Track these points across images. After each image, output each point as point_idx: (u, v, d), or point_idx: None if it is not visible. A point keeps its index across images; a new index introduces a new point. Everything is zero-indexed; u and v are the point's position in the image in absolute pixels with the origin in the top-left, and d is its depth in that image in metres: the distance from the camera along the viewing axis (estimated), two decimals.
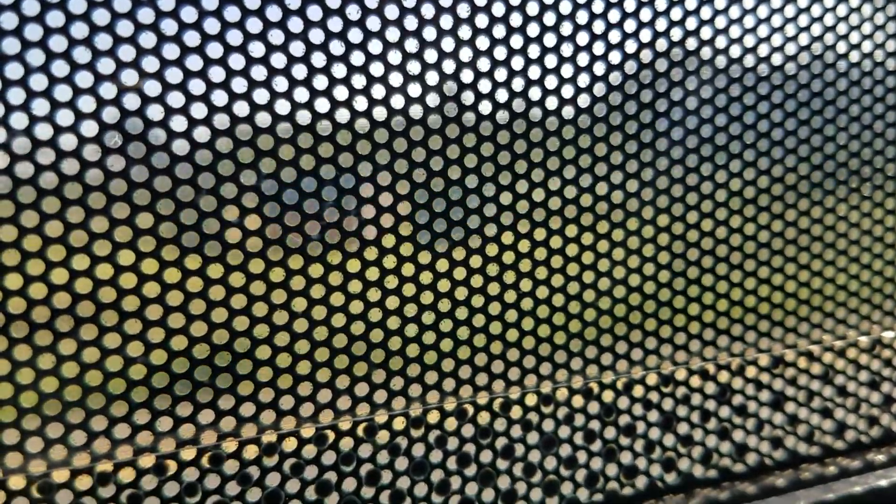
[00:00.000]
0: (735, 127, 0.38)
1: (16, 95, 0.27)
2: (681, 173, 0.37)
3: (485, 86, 0.33)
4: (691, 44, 0.36)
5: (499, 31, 0.33)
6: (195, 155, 0.30)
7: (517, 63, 0.34)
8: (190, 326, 0.30)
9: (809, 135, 0.39)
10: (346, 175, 0.32)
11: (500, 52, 0.34)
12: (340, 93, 0.31)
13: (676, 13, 0.36)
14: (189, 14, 0.29)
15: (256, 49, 0.30)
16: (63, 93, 0.28)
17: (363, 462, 0.33)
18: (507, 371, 0.35)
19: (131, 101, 0.29)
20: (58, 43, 0.28)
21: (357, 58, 0.31)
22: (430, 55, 0.32)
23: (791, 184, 0.39)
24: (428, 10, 0.32)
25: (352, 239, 0.32)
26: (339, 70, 0.31)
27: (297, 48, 0.31)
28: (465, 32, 0.33)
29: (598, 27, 0.35)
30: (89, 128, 0.28)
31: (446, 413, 0.35)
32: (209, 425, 0.31)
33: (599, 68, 0.35)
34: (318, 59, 0.31)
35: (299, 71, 0.31)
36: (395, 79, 0.32)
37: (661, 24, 0.36)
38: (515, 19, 0.34)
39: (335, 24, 0.31)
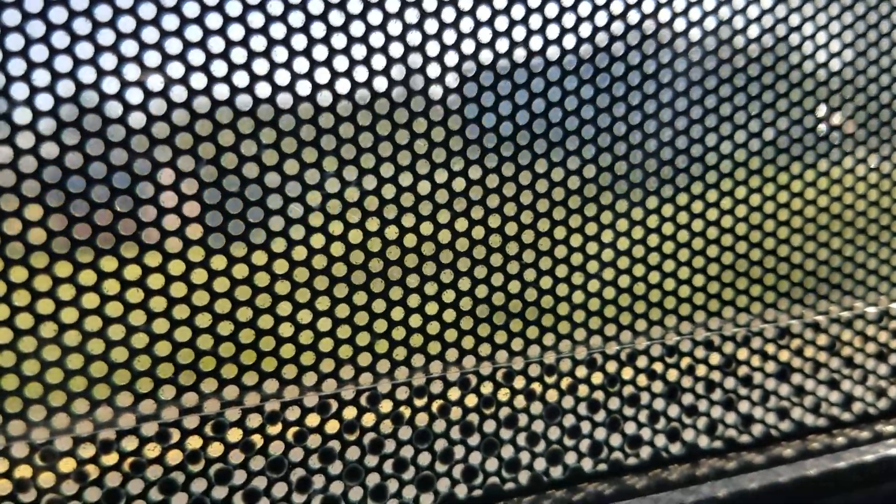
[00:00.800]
0: (740, 98, 0.37)
1: None
2: (685, 143, 0.37)
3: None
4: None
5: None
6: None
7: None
8: (192, 295, 0.30)
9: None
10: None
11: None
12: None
13: None
14: None
15: None
16: None
17: (366, 431, 0.33)
18: (511, 341, 0.35)
19: None
20: None
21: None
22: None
23: (797, 154, 0.39)
24: None
25: (354, 209, 0.32)
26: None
27: None
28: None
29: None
30: None
31: (449, 383, 0.35)
32: (212, 394, 0.31)
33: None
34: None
35: None
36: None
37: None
38: None
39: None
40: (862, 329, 0.41)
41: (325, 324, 0.32)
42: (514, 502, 0.35)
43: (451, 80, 0.33)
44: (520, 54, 0.34)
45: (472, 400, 0.35)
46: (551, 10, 0.34)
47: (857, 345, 0.41)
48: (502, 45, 0.34)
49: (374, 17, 0.32)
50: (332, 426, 0.33)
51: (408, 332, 0.34)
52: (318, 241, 0.32)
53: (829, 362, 0.41)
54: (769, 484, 0.34)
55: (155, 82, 0.29)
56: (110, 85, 0.29)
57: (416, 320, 0.34)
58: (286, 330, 0.32)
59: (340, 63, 0.32)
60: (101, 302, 0.29)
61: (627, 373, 0.37)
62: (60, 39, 0.28)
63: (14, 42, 0.27)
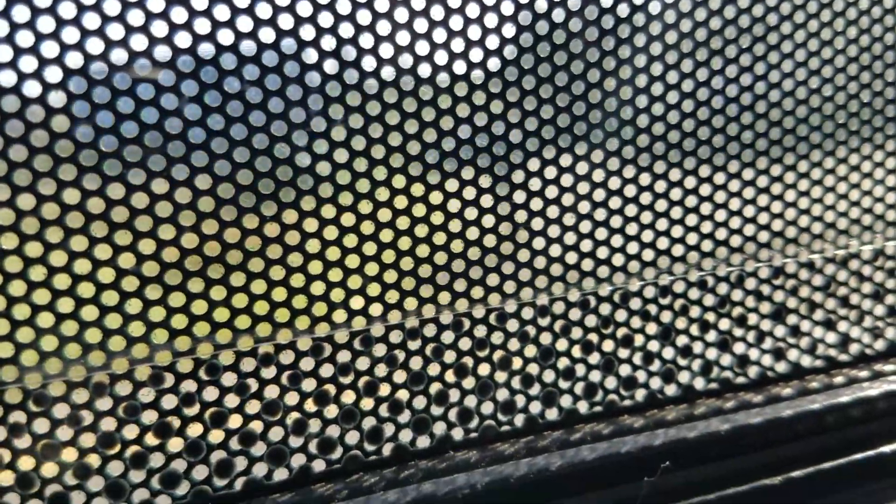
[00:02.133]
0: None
1: None
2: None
3: None
4: None
5: None
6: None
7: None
8: (181, 238, 0.30)
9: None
10: None
11: None
12: None
13: None
14: None
15: None
16: None
17: (361, 374, 0.33)
18: (503, 283, 0.35)
19: None
20: None
21: None
22: None
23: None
24: None
25: (340, 149, 0.32)
26: None
27: None
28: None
29: None
30: None
31: (443, 326, 0.35)
32: (205, 338, 0.31)
33: None
34: None
35: None
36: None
37: None
38: None
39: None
40: (857, 269, 0.41)
41: (315, 266, 0.32)
42: (511, 443, 0.35)
43: None
44: None
45: (465, 343, 0.35)
46: None
47: (853, 285, 0.41)
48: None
49: None
50: (327, 370, 0.33)
51: (399, 275, 0.34)
52: (305, 182, 0.32)
53: (825, 303, 0.41)
54: (770, 419, 0.34)
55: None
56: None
57: (407, 263, 0.34)
58: (277, 273, 0.32)
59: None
60: (89, 244, 0.29)
61: (621, 314, 0.37)
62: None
63: None
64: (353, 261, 0.33)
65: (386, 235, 0.33)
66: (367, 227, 0.33)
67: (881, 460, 0.35)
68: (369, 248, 0.33)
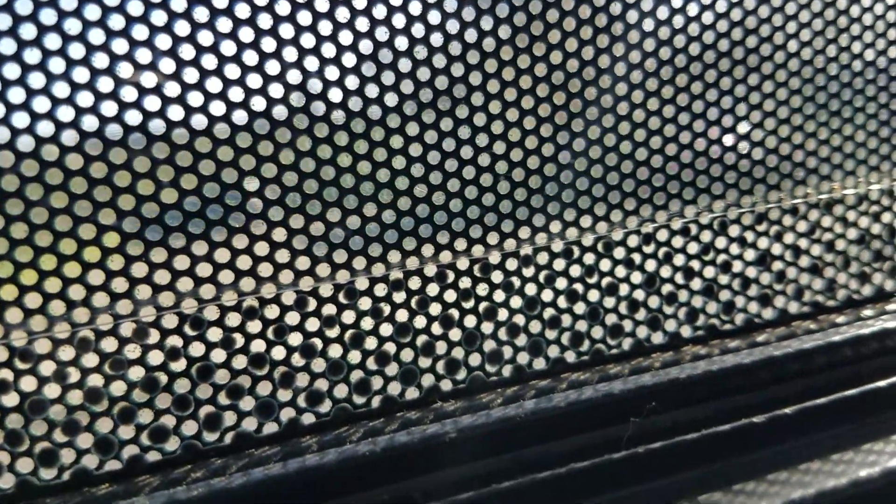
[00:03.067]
0: None
1: None
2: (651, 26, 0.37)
3: None
4: None
5: None
6: None
7: None
8: (160, 193, 0.30)
9: None
10: None
11: None
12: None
13: None
14: None
15: None
16: None
17: (347, 328, 0.34)
18: (486, 235, 0.35)
19: None
20: None
21: None
22: None
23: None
24: None
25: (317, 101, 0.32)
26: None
27: None
28: None
29: None
30: None
31: (427, 278, 0.35)
32: (188, 292, 0.31)
33: None
34: None
35: None
36: None
37: None
38: None
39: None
40: (842, 214, 0.41)
41: (297, 220, 0.32)
42: (498, 392, 0.35)
43: None
44: None
45: (451, 295, 0.35)
46: None
47: (838, 230, 0.41)
48: None
49: None
50: (312, 323, 0.33)
51: (382, 228, 0.34)
52: (283, 135, 0.32)
53: (810, 248, 0.41)
54: (756, 360, 0.34)
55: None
56: None
57: (388, 215, 0.34)
58: (258, 227, 0.32)
59: None
60: (69, 201, 0.29)
61: (605, 264, 0.37)
62: None
63: None
64: (334, 214, 0.33)
65: (366, 188, 0.33)
66: (348, 181, 0.33)
67: (866, 398, 0.35)
68: (350, 202, 0.33)
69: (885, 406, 0.35)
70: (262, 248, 0.32)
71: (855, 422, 0.34)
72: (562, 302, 0.37)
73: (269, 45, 0.31)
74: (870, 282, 0.42)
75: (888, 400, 0.35)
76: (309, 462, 0.29)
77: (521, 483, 0.29)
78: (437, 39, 0.34)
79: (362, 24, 0.32)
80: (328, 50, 0.32)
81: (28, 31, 0.28)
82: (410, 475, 0.30)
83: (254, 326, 0.32)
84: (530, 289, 0.36)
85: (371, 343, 0.34)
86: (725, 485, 0.30)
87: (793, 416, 0.33)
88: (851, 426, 0.34)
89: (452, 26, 0.34)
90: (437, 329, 0.35)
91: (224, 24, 0.30)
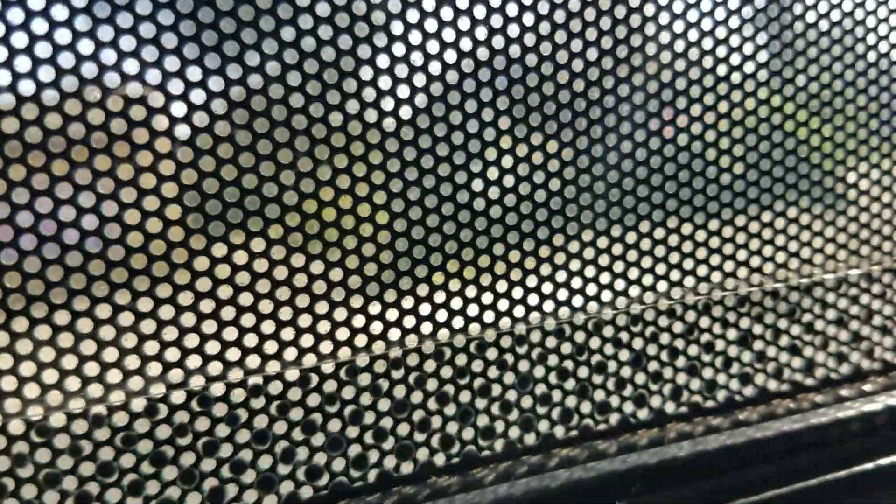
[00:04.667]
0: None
1: None
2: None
3: None
4: None
5: None
6: None
7: None
8: (174, 274, 0.32)
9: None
10: None
11: None
12: None
13: None
14: None
15: None
16: None
17: (347, 403, 0.35)
18: (482, 314, 0.37)
19: None
20: None
21: None
22: None
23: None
24: None
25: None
26: None
27: None
28: None
29: None
30: None
31: (425, 355, 0.36)
32: (197, 370, 0.33)
33: None
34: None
35: None
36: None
37: None
38: None
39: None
40: (821, 296, 0.43)
41: (303, 300, 0.34)
42: (491, 468, 0.36)
43: None
44: None
45: (447, 371, 0.37)
46: None
47: (817, 312, 0.43)
48: None
49: None
50: (314, 399, 0.35)
51: (383, 307, 0.35)
52: (293, 220, 0.33)
53: (790, 329, 0.43)
54: (738, 443, 0.36)
55: None
56: None
57: (390, 295, 0.35)
58: (266, 307, 0.33)
59: None
60: (87, 282, 0.31)
61: (595, 342, 0.39)
62: None
63: None
64: (338, 293, 0.35)
65: (370, 269, 0.35)
66: (353, 262, 0.35)
67: (852, 481, 0.37)
68: (354, 282, 0.35)
69: (873, 487, 0.37)
70: (268, 326, 0.34)
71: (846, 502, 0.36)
72: (553, 378, 0.38)
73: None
74: (847, 361, 0.44)
75: (876, 481, 0.37)
76: None
77: None
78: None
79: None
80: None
81: None
82: None
83: (257, 403, 0.34)
84: (523, 366, 0.38)
85: (369, 418, 0.35)
86: None
87: (781, 498, 0.34)
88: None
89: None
90: (432, 404, 0.36)
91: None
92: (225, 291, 0.33)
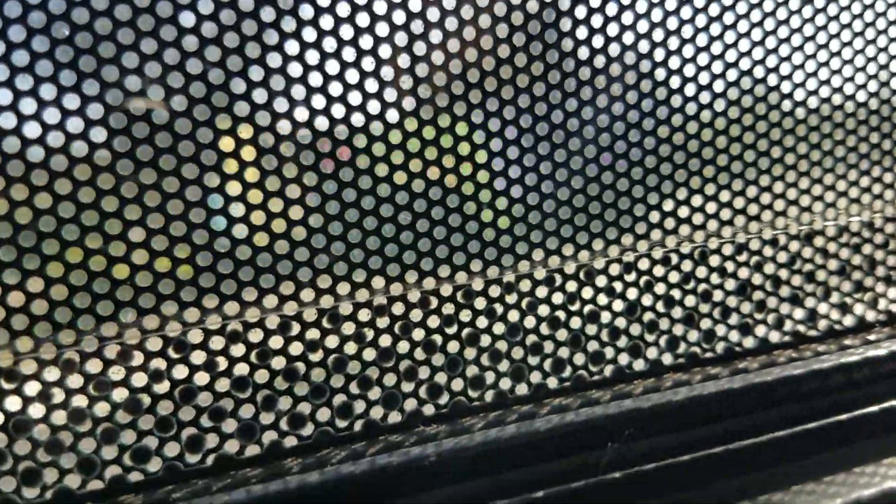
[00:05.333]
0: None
1: None
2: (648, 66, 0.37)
3: None
4: None
5: None
6: None
7: None
8: (146, 217, 0.31)
9: None
10: None
11: None
12: None
13: None
14: None
15: None
16: None
17: (330, 352, 0.34)
18: (469, 262, 0.36)
19: None
20: None
21: None
22: None
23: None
24: None
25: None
26: None
27: None
28: None
29: None
30: None
31: (411, 304, 0.35)
32: (173, 316, 0.32)
33: None
34: None
35: None
36: None
37: None
38: None
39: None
40: (822, 245, 0.42)
41: (282, 246, 0.33)
42: (481, 417, 0.35)
43: None
44: None
45: (434, 321, 0.36)
46: None
47: (819, 261, 0.42)
48: None
49: None
50: (296, 347, 0.34)
51: (366, 254, 0.34)
52: (269, 161, 0.33)
53: (790, 279, 0.41)
54: (734, 388, 0.35)
55: None
56: None
57: (373, 242, 0.34)
58: (244, 252, 0.33)
59: None
60: (57, 225, 0.30)
61: (587, 292, 0.38)
62: None
63: None
64: (318, 240, 0.34)
65: (351, 215, 0.34)
66: (332, 208, 0.34)
67: (857, 423, 0.35)
68: (335, 228, 0.34)
69: (878, 430, 0.35)
70: (247, 273, 0.33)
71: (847, 446, 0.34)
72: (544, 328, 0.37)
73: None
74: (851, 312, 0.43)
75: (879, 424, 0.35)
76: (290, 483, 0.30)
77: None
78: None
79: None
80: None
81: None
82: (390, 497, 0.30)
83: (237, 350, 0.33)
84: (513, 315, 0.37)
85: (354, 367, 0.34)
86: None
87: (782, 441, 0.33)
88: (844, 450, 0.34)
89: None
90: (419, 354, 0.35)
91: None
92: (201, 237, 0.32)
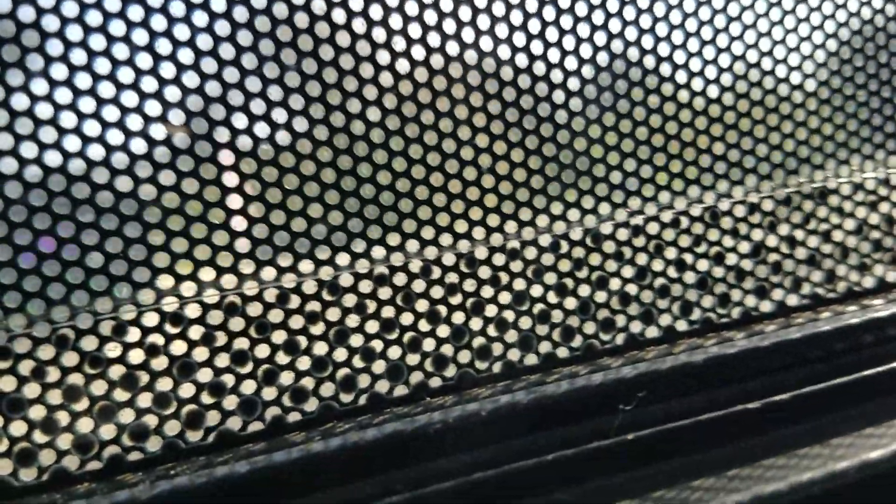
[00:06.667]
0: None
1: None
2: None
3: None
4: None
5: None
6: None
7: None
8: (137, 189, 0.30)
9: None
10: None
11: None
12: None
13: None
14: None
15: None
16: None
17: (332, 324, 0.33)
18: (472, 229, 0.35)
19: None
20: None
21: None
22: None
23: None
24: None
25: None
26: None
27: None
28: None
29: None
30: None
31: (413, 274, 0.34)
32: (169, 291, 0.31)
33: None
34: None
35: None
36: None
37: None
38: None
39: None
40: (838, 204, 0.41)
41: (278, 217, 0.32)
42: (489, 388, 0.34)
43: None
44: None
45: (437, 291, 0.35)
46: None
47: (835, 221, 0.41)
48: None
49: None
50: (297, 321, 0.33)
51: (365, 224, 0.34)
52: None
53: (807, 240, 0.40)
54: (748, 349, 0.33)
55: None
56: None
57: (372, 211, 0.34)
58: (240, 224, 0.32)
59: None
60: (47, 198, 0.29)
61: (594, 257, 0.37)
62: None
63: None
64: (315, 210, 0.33)
65: (348, 183, 0.33)
66: (329, 176, 0.33)
67: (866, 384, 0.34)
68: (332, 197, 0.33)
69: (886, 391, 0.34)
70: (243, 244, 0.32)
71: (856, 407, 0.33)
72: (551, 297, 0.36)
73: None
74: (871, 273, 0.41)
75: (889, 385, 0.34)
76: (293, 453, 0.29)
77: (506, 471, 0.28)
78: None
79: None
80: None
81: None
82: (398, 465, 0.29)
83: (236, 324, 0.32)
84: (519, 284, 0.36)
85: (356, 340, 0.34)
86: (720, 470, 0.29)
87: (791, 402, 0.32)
88: (853, 411, 0.33)
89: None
90: (423, 325, 0.34)
91: None
92: (194, 207, 0.31)
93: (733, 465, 0.30)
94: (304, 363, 0.33)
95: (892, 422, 0.32)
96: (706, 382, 0.32)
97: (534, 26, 0.35)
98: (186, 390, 0.31)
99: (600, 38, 0.36)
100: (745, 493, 0.27)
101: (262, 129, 0.32)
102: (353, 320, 0.33)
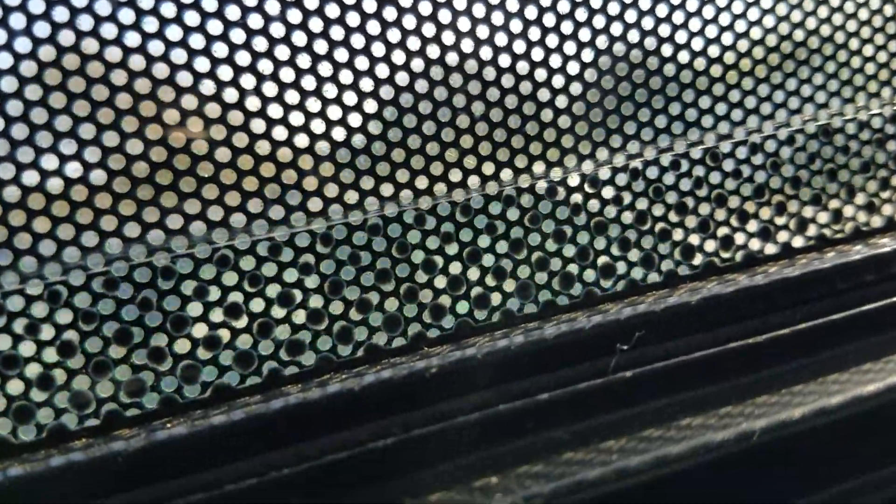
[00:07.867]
0: None
1: None
2: None
3: None
4: None
5: None
6: None
7: None
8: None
9: None
10: None
11: None
12: None
13: None
14: None
15: None
16: None
17: (326, 277, 0.33)
18: (467, 178, 0.35)
19: None
20: None
21: None
22: None
23: None
24: None
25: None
26: None
27: None
28: None
29: None
30: None
31: (407, 225, 0.34)
32: (160, 246, 0.31)
33: None
34: None
35: None
36: None
37: None
38: None
39: None
40: (844, 143, 0.40)
41: (268, 169, 0.32)
42: (487, 336, 0.34)
43: None
44: None
45: (433, 242, 0.34)
46: None
47: (840, 160, 0.40)
48: None
49: None
50: (290, 274, 0.33)
51: (357, 174, 0.33)
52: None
53: (811, 180, 0.39)
54: (746, 287, 0.33)
55: None
56: None
57: (363, 161, 0.33)
58: (229, 176, 0.32)
59: None
60: (35, 155, 0.29)
61: (593, 204, 0.36)
62: None
63: None
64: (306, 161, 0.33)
65: (337, 133, 0.33)
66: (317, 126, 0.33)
67: (864, 320, 0.33)
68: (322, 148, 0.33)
69: (887, 326, 0.33)
70: (233, 199, 0.32)
71: (858, 341, 0.32)
72: (550, 244, 0.36)
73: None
74: (879, 213, 0.40)
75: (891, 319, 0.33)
76: (291, 401, 0.29)
77: (503, 412, 0.28)
78: None
79: None
80: None
81: None
82: (395, 410, 0.29)
83: (229, 278, 0.32)
84: (516, 231, 0.35)
85: (352, 292, 0.33)
86: (714, 407, 0.29)
87: (790, 338, 0.31)
88: (854, 345, 0.32)
89: None
90: (420, 276, 0.34)
91: None
92: (182, 161, 0.31)
93: (729, 402, 0.29)
94: (299, 317, 0.33)
95: (890, 356, 0.32)
96: (705, 321, 0.32)
97: None
98: (181, 346, 0.31)
99: None
100: (731, 431, 0.26)
101: None
102: (348, 272, 0.33)
